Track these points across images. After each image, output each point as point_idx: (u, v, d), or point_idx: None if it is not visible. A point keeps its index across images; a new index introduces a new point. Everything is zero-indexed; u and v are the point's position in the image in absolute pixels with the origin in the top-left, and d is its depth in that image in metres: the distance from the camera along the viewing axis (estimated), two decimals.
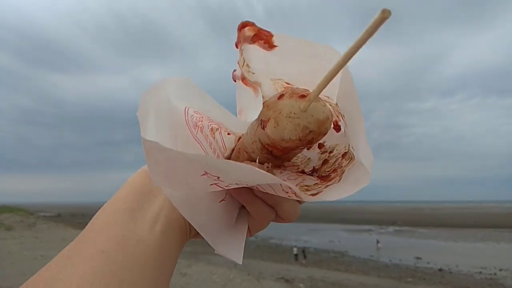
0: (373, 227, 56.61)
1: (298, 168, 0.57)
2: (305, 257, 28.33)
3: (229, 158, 0.55)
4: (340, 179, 0.51)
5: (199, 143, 0.48)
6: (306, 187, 0.53)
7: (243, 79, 0.49)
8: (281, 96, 0.47)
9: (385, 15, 0.32)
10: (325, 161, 0.56)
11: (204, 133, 0.50)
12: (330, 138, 0.55)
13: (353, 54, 0.36)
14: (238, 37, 0.48)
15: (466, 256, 29.80)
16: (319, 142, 0.52)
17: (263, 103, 0.49)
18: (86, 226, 0.48)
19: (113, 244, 0.44)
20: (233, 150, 0.55)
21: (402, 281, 22.82)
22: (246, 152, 0.52)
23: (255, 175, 0.43)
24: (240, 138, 0.55)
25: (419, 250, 33.90)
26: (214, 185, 0.46)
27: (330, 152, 0.56)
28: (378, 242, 35.24)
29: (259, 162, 0.51)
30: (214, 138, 0.52)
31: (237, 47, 0.49)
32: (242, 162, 0.52)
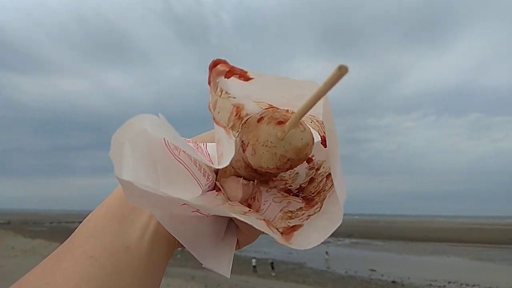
0: (331, 239, 57.51)
1: (286, 184, 0.56)
2: (273, 268, 28.35)
3: (216, 171, 0.54)
4: (321, 207, 0.50)
5: (182, 163, 0.47)
6: (290, 214, 0.52)
7: (214, 118, 0.48)
8: (260, 119, 0.46)
9: (341, 72, 0.32)
10: (312, 180, 0.55)
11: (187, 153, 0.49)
12: (319, 153, 0.54)
13: (315, 103, 0.37)
14: (211, 74, 0.47)
15: (418, 269, 30.84)
16: (308, 156, 0.50)
17: (245, 122, 0.48)
18: (74, 232, 0.47)
19: (101, 250, 0.43)
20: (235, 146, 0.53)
21: None
22: (233, 167, 0.52)
23: (233, 216, 0.43)
24: None
25: (374, 262, 34.75)
26: (196, 212, 0.46)
27: (317, 169, 0.55)
28: (327, 253, 35.89)
29: (245, 179, 0.51)
30: (200, 151, 0.51)
31: (209, 85, 0.47)
32: (228, 177, 0.52)
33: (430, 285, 26.57)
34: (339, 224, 0.43)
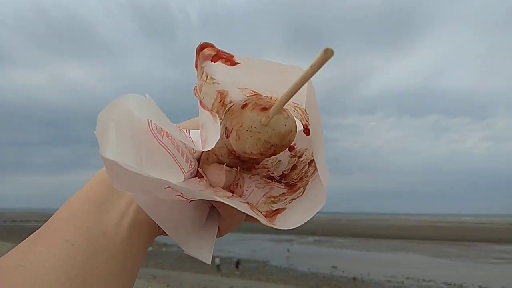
0: (295, 237, 58.23)
1: (268, 171, 0.56)
2: (237, 267, 28.26)
3: (199, 158, 0.54)
4: (304, 191, 0.51)
5: (165, 148, 0.46)
6: (272, 199, 0.53)
7: (200, 102, 0.47)
8: (244, 106, 0.46)
9: (327, 55, 0.33)
10: (294, 167, 0.55)
11: (170, 137, 0.49)
12: (301, 141, 0.54)
13: (301, 86, 0.37)
14: (197, 58, 0.46)
15: (378, 265, 31.69)
16: (290, 145, 0.49)
17: (229, 109, 0.49)
18: (52, 217, 0.46)
19: (78, 234, 0.43)
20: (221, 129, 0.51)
21: None
22: (215, 154, 0.51)
23: (217, 200, 0.44)
24: None
25: (336, 259, 35.40)
26: (179, 196, 0.45)
27: (300, 156, 0.55)
28: (288, 251, 36.31)
29: (227, 165, 0.51)
30: (185, 135, 0.51)
31: (196, 69, 0.47)
32: (211, 164, 0.52)
33: (389, 281, 27.35)
34: (322, 206, 0.45)
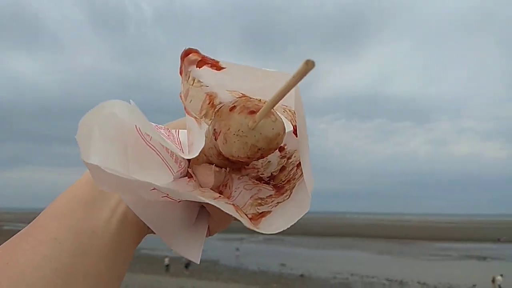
0: (245, 236, 58.53)
1: (258, 172, 0.56)
2: (187, 267, 27.93)
3: (189, 159, 0.53)
4: (290, 194, 0.51)
5: (153, 149, 0.46)
6: (259, 201, 0.53)
7: (185, 108, 0.48)
8: (233, 108, 0.46)
9: (308, 66, 0.34)
10: (283, 168, 0.55)
11: (161, 133, 0.49)
12: (291, 142, 0.54)
13: (284, 95, 0.38)
14: (182, 63, 0.46)
15: (325, 263, 32.68)
16: (280, 145, 0.50)
17: (218, 110, 0.49)
18: (39, 214, 0.46)
19: (66, 232, 0.42)
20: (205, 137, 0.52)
21: (268, 287, 23.97)
22: (205, 155, 0.51)
23: (203, 201, 0.44)
24: None
25: (285, 257, 36.10)
26: (166, 197, 0.45)
27: (289, 158, 0.55)
28: (237, 249, 36.57)
29: (217, 166, 0.51)
30: (172, 138, 0.51)
31: (181, 75, 0.47)
32: (201, 164, 0.52)
33: (335, 277, 28.28)
34: (305, 212, 0.45)
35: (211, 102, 0.51)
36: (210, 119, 0.51)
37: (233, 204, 0.48)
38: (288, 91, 0.37)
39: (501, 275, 26.05)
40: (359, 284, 26.94)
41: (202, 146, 0.45)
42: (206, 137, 0.50)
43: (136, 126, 0.46)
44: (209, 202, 0.43)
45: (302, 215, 0.45)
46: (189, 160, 0.52)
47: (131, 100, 0.41)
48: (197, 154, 0.44)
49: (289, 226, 0.45)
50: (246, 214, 0.49)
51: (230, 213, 0.45)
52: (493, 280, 26.10)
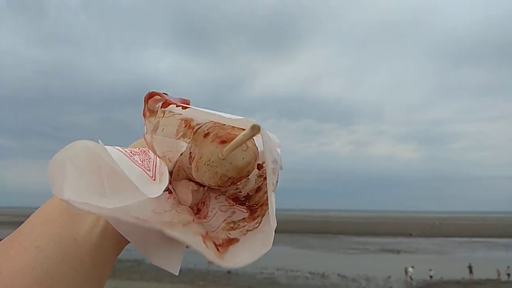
0: None
1: (237, 189, 0.57)
2: None
3: (171, 172, 0.54)
4: (260, 223, 0.52)
5: (137, 165, 0.47)
6: (232, 225, 0.53)
7: (149, 146, 0.50)
8: (206, 135, 0.47)
9: (254, 132, 0.38)
10: (259, 188, 0.56)
11: (134, 160, 0.49)
12: None
13: (239, 146, 0.42)
14: (146, 105, 0.48)
15: None
16: (258, 163, 0.52)
17: (196, 131, 0.50)
18: (24, 222, 0.47)
19: (48, 240, 0.43)
20: (174, 165, 0.54)
21: (194, 285, 23.63)
22: (185, 171, 0.53)
23: (170, 235, 0.43)
24: (181, 154, 0.54)
25: None
26: (136, 220, 0.45)
27: (265, 178, 0.55)
28: None
29: (196, 183, 0.52)
30: (147, 162, 0.51)
31: (144, 117, 0.49)
32: (181, 180, 0.53)
33: (261, 272, 28.71)
34: (267, 249, 0.46)
35: (188, 125, 0.53)
36: (189, 139, 0.53)
37: (201, 235, 0.47)
38: (240, 145, 0.42)
39: (412, 267, 28.42)
40: (283, 278, 27.60)
41: (165, 187, 0.47)
42: (185, 156, 0.51)
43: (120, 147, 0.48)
44: (175, 236, 0.42)
45: (264, 252, 0.46)
46: (170, 175, 0.53)
47: (99, 140, 0.42)
48: (159, 193, 0.45)
49: (251, 262, 0.46)
50: (214, 243, 0.49)
51: (196, 247, 0.44)
52: (406, 272, 28.36)
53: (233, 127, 0.48)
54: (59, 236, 0.44)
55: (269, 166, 0.43)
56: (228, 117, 0.45)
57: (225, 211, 0.55)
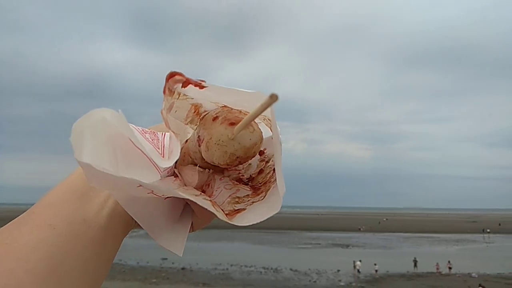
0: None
1: (239, 173, 0.61)
2: None
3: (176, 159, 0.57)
4: (265, 196, 0.57)
5: (141, 150, 0.49)
6: (237, 199, 0.58)
7: (166, 123, 0.54)
8: (215, 118, 0.51)
9: (272, 99, 0.41)
10: (261, 171, 0.61)
11: (146, 137, 0.53)
12: (270, 147, 0.59)
13: (256, 117, 0.45)
14: (167, 83, 0.51)
15: (206, 255, 33.08)
16: (260, 149, 0.56)
17: (203, 116, 0.55)
18: (36, 202, 0.50)
19: (60, 219, 0.46)
20: (180, 151, 0.56)
21: (147, 282, 23.43)
22: (191, 157, 0.56)
23: (183, 196, 0.48)
24: (186, 141, 0.58)
25: (167, 251, 35.40)
26: (151, 193, 0.49)
27: (267, 162, 0.60)
28: None
29: (201, 167, 0.56)
30: (156, 142, 0.55)
31: (164, 94, 0.52)
32: (186, 165, 0.57)
33: (215, 268, 28.90)
34: (275, 212, 0.51)
35: (197, 111, 0.57)
36: (196, 125, 0.57)
37: (210, 200, 0.53)
38: (257, 116, 0.44)
39: (360, 261, 29.76)
40: (237, 273, 27.97)
41: (177, 158, 0.51)
42: (191, 141, 0.56)
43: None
44: (188, 197, 0.48)
45: (273, 214, 0.51)
46: (176, 161, 0.55)
47: (119, 110, 0.45)
48: (170, 165, 0.50)
49: (259, 221, 0.51)
50: (222, 210, 0.55)
51: (206, 207, 0.50)
52: (354, 265, 29.62)
53: (240, 111, 0.53)
54: (70, 216, 0.47)
55: (278, 135, 0.49)
56: (242, 90, 0.50)
57: (230, 189, 0.60)
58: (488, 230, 65.63)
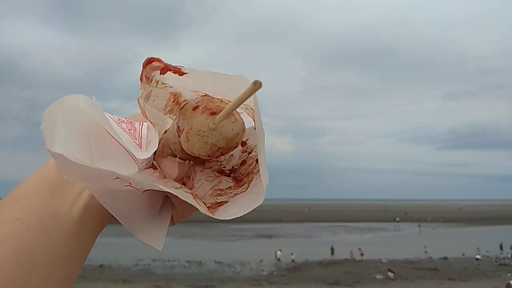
0: None
1: (221, 165, 0.59)
2: None
3: (154, 151, 0.54)
4: (248, 187, 0.55)
5: (116, 140, 0.46)
6: (219, 192, 0.56)
7: (143, 112, 0.51)
8: (196, 107, 0.49)
9: (256, 87, 0.40)
10: (244, 162, 0.59)
11: (122, 127, 0.51)
12: (252, 137, 0.57)
13: (239, 105, 0.43)
14: (144, 70, 0.49)
15: (127, 251, 31.88)
16: (243, 140, 0.54)
17: (182, 107, 0.52)
18: (6, 196, 0.48)
19: (30, 213, 0.44)
20: (159, 142, 0.54)
21: None
22: (170, 148, 0.54)
23: (161, 189, 0.46)
24: (166, 131, 0.56)
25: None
26: (128, 186, 0.47)
27: (250, 152, 0.58)
28: None
29: (180, 158, 0.53)
30: (133, 132, 0.53)
31: (141, 81, 0.50)
32: (166, 157, 0.54)
33: (137, 264, 28.15)
34: (258, 204, 0.49)
35: (176, 100, 0.54)
36: (175, 115, 0.54)
37: (191, 193, 0.50)
38: (240, 104, 0.43)
39: (280, 250, 30.84)
40: (160, 268, 27.52)
41: (155, 149, 0.48)
42: (170, 132, 0.53)
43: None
44: (168, 191, 0.46)
45: (256, 206, 0.49)
46: (154, 153, 0.53)
47: (93, 97, 0.43)
48: (147, 156, 0.47)
49: (242, 214, 0.49)
50: (204, 203, 0.52)
51: (187, 201, 0.47)
52: (276, 255, 30.63)
53: (221, 100, 0.50)
54: (40, 209, 0.45)
55: (261, 124, 0.47)
56: (223, 74, 0.47)
57: (211, 181, 0.57)
58: (398, 219, 71.48)
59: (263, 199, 0.49)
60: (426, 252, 34.58)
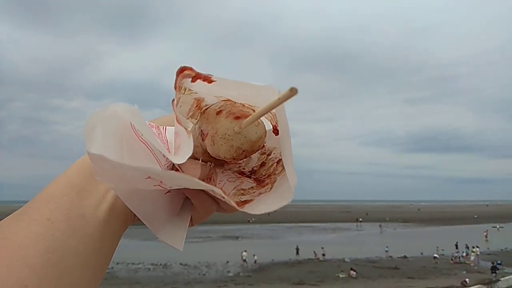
0: None
1: (240, 167, 0.61)
2: None
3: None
4: (272, 187, 0.56)
5: (144, 143, 0.50)
6: (242, 191, 0.58)
7: (176, 118, 0.52)
8: (219, 112, 0.51)
9: (292, 93, 0.40)
10: (263, 164, 0.60)
11: (153, 132, 0.53)
12: (270, 140, 0.58)
13: (270, 110, 0.45)
14: (177, 78, 0.51)
15: None
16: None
17: (204, 110, 0.54)
18: (34, 197, 0.50)
19: (58, 214, 0.46)
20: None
21: None
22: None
23: (194, 184, 0.47)
24: None
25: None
26: (158, 186, 0.49)
27: (268, 154, 0.60)
28: None
29: (202, 161, 0.55)
30: (161, 137, 0.55)
31: (175, 89, 0.52)
32: (187, 160, 0.56)
33: None
34: (287, 202, 0.49)
35: (198, 105, 0.56)
36: (196, 119, 0.57)
37: (221, 189, 0.51)
38: (273, 108, 0.44)
39: (245, 251, 31.06)
40: (123, 272, 27.10)
41: (190, 154, 0.48)
42: (193, 134, 0.54)
43: (131, 122, 0.49)
44: (205, 188, 0.47)
45: (285, 204, 0.49)
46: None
47: (135, 104, 0.46)
48: (184, 160, 0.47)
49: (272, 210, 0.50)
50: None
51: (219, 196, 0.48)
52: (242, 256, 30.79)
53: (244, 105, 0.53)
54: (68, 210, 0.46)
55: (287, 128, 0.49)
56: (252, 84, 0.48)
57: (233, 182, 0.60)
58: (361, 219, 73.47)
59: (291, 198, 0.50)
60: (386, 251, 35.84)
